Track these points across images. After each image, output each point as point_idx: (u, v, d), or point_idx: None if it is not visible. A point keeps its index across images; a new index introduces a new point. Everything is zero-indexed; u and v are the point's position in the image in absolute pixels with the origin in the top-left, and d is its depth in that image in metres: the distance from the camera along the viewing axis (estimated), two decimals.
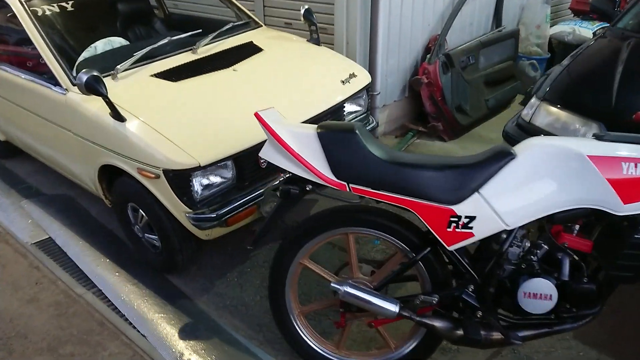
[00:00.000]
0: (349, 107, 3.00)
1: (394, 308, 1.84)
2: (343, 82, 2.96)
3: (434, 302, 1.85)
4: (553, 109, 2.81)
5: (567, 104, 2.78)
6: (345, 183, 1.81)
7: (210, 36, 3.15)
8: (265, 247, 3.01)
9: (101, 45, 3.14)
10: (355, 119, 3.10)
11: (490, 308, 1.86)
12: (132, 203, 2.70)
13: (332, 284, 1.90)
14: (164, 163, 2.32)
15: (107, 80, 2.73)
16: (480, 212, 1.74)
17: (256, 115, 1.86)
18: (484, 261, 1.85)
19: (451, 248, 1.79)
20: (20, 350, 2.34)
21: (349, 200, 1.95)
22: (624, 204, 1.65)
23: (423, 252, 1.88)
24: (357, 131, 1.81)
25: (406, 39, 4.05)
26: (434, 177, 1.77)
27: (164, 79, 2.78)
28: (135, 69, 2.86)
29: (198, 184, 2.37)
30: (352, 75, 3.02)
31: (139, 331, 2.43)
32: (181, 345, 2.35)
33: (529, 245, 1.82)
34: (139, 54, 2.85)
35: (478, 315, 1.85)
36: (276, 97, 2.73)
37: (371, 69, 3.78)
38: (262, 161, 2.57)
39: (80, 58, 3.08)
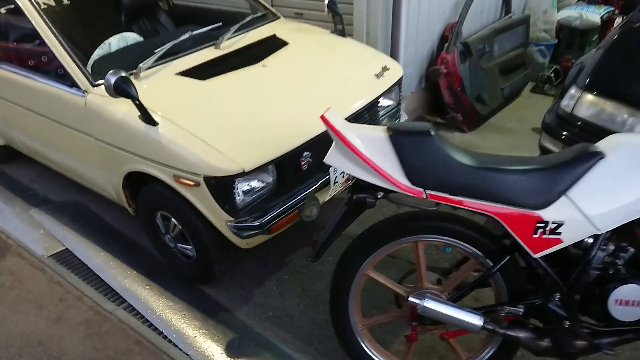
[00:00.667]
0: (382, 102, 2.86)
1: (478, 322, 1.73)
2: (377, 75, 2.81)
3: (520, 313, 1.74)
4: (597, 99, 2.72)
5: (612, 93, 2.69)
6: (422, 189, 1.68)
7: (232, 29, 2.96)
8: (301, 250, 2.87)
9: (115, 42, 2.93)
10: (387, 114, 2.96)
11: (576, 316, 1.76)
12: (163, 211, 2.52)
13: (410, 298, 1.78)
14: (205, 170, 2.15)
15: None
16: (569, 216, 1.63)
17: (322, 118, 1.71)
18: (567, 267, 1.74)
19: (537, 256, 1.68)
20: None
21: (418, 207, 1.82)
22: None
23: (502, 260, 1.77)
24: (433, 133, 1.67)
25: (423, 27, 3.92)
26: (518, 180, 1.65)
27: (191, 77, 2.60)
28: (157, 67, 2.67)
29: (241, 190, 2.21)
30: (385, 69, 2.88)
31: (181, 350, 2.27)
32: None
33: (613, 248, 1.73)
34: (161, 51, 2.66)
35: (565, 325, 1.75)
36: (311, 94, 2.58)
37: None
38: (303, 163, 2.42)
39: (94, 56, 2.87)
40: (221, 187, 2.18)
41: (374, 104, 2.75)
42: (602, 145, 1.70)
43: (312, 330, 2.38)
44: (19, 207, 3.36)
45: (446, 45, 4.04)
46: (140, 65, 2.58)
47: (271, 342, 2.32)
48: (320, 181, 2.49)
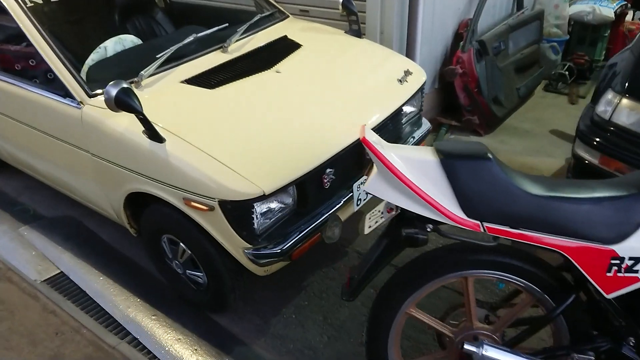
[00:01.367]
0: (404, 109, 2.64)
1: None
2: (400, 81, 2.58)
3: None
4: (638, 105, 2.51)
5: None
6: (479, 222, 1.46)
7: (240, 31, 2.71)
8: (318, 272, 2.65)
9: (111, 45, 2.66)
10: (409, 122, 2.74)
11: None
12: (170, 235, 2.28)
13: (466, 346, 1.56)
14: (220, 193, 1.91)
15: None
16: None
17: (364, 141, 1.48)
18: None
19: (610, 296, 1.48)
20: None
21: (473, 240, 1.59)
22: None
23: (567, 299, 1.56)
24: (491, 157, 1.45)
25: (438, 24, 3.69)
26: (589, 210, 1.43)
27: (198, 85, 2.35)
28: (160, 74, 2.41)
29: (259, 215, 1.98)
30: (408, 73, 2.65)
31: None
32: None
33: None
34: (164, 56, 2.40)
35: None
36: (332, 103, 2.34)
37: None
38: (325, 180, 2.19)
39: (89, 61, 2.60)
40: (238, 212, 1.94)
41: (397, 112, 2.52)
42: None
43: None
44: (7, 224, 3.09)
45: (461, 43, 3.81)
46: (142, 72, 2.33)
47: None
48: (343, 200, 2.26)
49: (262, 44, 2.71)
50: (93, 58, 2.62)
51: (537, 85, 4.63)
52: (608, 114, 2.59)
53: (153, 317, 2.39)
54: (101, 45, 2.64)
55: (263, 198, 1.93)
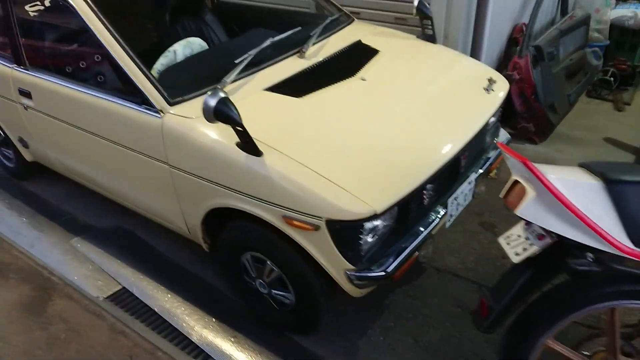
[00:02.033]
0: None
1: None
2: (487, 90, 2.46)
3: None
4: None
5: None
6: None
7: (315, 35, 2.57)
8: (398, 289, 2.52)
9: (180, 49, 2.52)
10: (490, 132, 2.62)
11: None
12: (256, 253, 2.14)
13: None
14: (328, 212, 1.78)
15: None
16: None
17: (526, 162, 1.35)
18: None
19: None
20: None
21: (634, 270, 1.47)
22: None
23: None
24: None
25: (494, 29, 3.57)
26: None
27: (284, 93, 2.21)
28: (240, 81, 2.27)
29: (367, 235, 1.85)
30: (492, 81, 2.53)
31: None
32: None
33: None
34: (243, 61, 2.26)
35: None
36: (426, 114, 2.22)
37: None
38: (425, 196, 2.06)
39: (159, 66, 2.46)
40: (346, 232, 1.81)
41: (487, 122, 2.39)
42: None
43: None
44: (57, 236, 2.93)
45: (518, 48, 3.70)
46: (225, 79, 2.18)
47: None
48: (440, 216, 2.14)
49: (338, 49, 2.57)
50: (162, 62, 2.47)
51: (584, 92, 4.53)
52: None
53: (233, 339, 2.25)
54: (170, 49, 2.50)
55: (374, 217, 1.80)
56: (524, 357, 1.60)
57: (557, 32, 4.07)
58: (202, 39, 3.30)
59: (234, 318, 2.37)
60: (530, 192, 1.40)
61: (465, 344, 2.20)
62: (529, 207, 1.40)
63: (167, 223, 2.48)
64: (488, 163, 2.46)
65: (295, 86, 2.26)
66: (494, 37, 3.60)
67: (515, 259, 1.52)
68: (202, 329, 2.29)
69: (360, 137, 2.03)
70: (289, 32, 2.52)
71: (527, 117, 3.76)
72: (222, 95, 1.81)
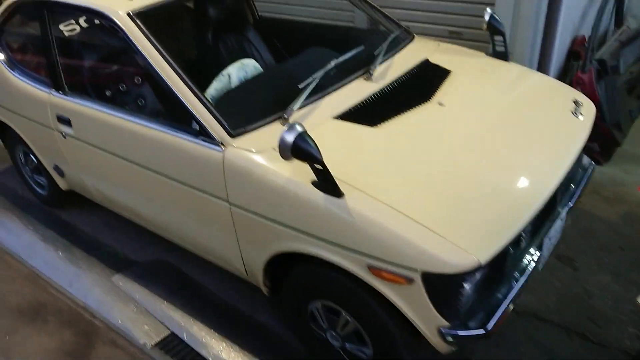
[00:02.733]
0: None
1: None
2: (574, 113, 2.22)
3: None
4: None
5: None
6: None
7: (381, 54, 2.34)
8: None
9: (235, 73, 2.31)
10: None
11: None
12: (329, 302, 1.91)
13: None
14: (426, 264, 1.55)
15: (276, 127, 1.94)
16: None
17: None
18: None
19: None
20: None
21: None
22: None
23: None
24: None
25: (558, 42, 3.32)
26: None
27: (357, 122, 1.99)
28: (305, 109, 2.05)
29: (468, 289, 1.61)
30: (578, 103, 2.28)
31: None
32: None
33: None
34: (309, 86, 2.04)
35: None
36: (515, 143, 1.98)
37: None
38: (522, 240, 1.82)
39: (213, 91, 2.25)
40: (445, 286, 1.58)
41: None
42: None
43: None
44: (96, 272, 2.72)
45: (581, 63, 3.45)
46: (292, 107, 1.96)
47: None
48: (535, 259, 1.89)
49: (406, 69, 2.34)
50: (216, 87, 2.26)
51: None
52: None
53: None
54: (224, 73, 2.29)
55: (479, 269, 1.56)
56: None
57: (617, 43, 3.81)
58: (244, 56, 3.12)
59: None
60: None
61: None
62: None
63: (221, 262, 2.26)
64: (577, 195, 2.21)
65: (368, 113, 2.04)
66: (557, 50, 3.35)
67: None
68: None
69: (450, 172, 1.79)
70: (353, 52, 2.30)
71: (591, 136, 3.49)
72: (299, 129, 1.59)
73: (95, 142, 2.41)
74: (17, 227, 3.14)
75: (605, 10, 3.57)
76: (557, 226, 2.03)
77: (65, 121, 2.51)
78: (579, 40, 3.64)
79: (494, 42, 2.56)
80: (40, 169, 3.12)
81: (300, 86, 2.05)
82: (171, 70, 2.01)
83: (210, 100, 2.19)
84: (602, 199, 3.07)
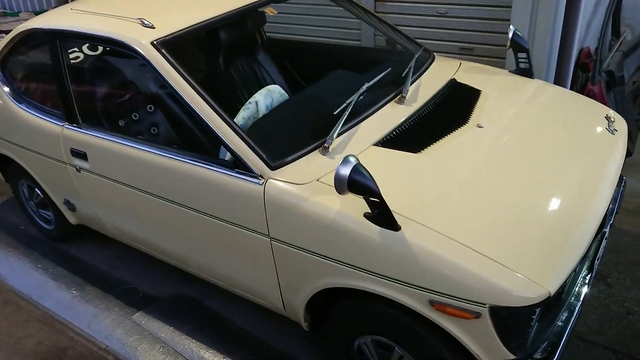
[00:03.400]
0: None
1: None
2: (609, 130, 2.19)
3: None
4: None
5: None
6: None
7: (409, 75, 2.28)
8: None
9: (262, 100, 2.23)
10: None
11: None
12: (381, 338, 1.83)
13: None
14: (495, 298, 1.48)
15: (316, 157, 1.86)
16: None
17: None
18: None
19: None
20: None
21: None
22: None
23: None
24: None
25: (572, 56, 3.33)
26: None
27: (399, 149, 1.92)
28: (342, 136, 1.98)
29: (537, 321, 1.55)
30: (610, 120, 2.26)
31: None
32: None
33: None
34: (344, 112, 1.97)
35: None
36: (563, 165, 1.93)
37: None
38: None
39: (240, 121, 2.18)
40: (514, 320, 1.51)
41: None
42: None
43: None
44: (116, 310, 2.60)
45: (590, 75, 3.46)
46: (332, 134, 1.89)
47: None
48: (588, 282, 1.85)
49: (435, 90, 2.29)
50: (244, 116, 2.19)
51: None
52: None
53: None
54: (251, 100, 2.21)
55: (548, 300, 1.50)
56: None
57: (620, 54, 3.84)
58: (255, 80, 3.05)
59: None
60: None
61: None
62: None
63: (254, 297, 2.17)
64: (615, 213, 2.18)
65: (408, 138, 1.98)
66: (567, 63, 3.36)
67: None
68: None
69: (503, 198, 1.74)
70: (382, 74, 2.24)
71: None
72: (354, 161, 1.52)
73: (115, 175, 2.30)
74: (24, 265, 2.99)
75: (608, 22, 3.60)
76: (602, 246, 2.00)
77: (80, 155, 2.40)
78: (585, 52, 3.65)
79: (517, 59, 2.54)
80: (47, 203, 2.99)
81: (335, 112, 1.98)
82: (202, 100, 1.93)
83: (249, 130, 2.11)
84: (624, 211, 3.06)
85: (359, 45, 3.68)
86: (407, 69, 2.30)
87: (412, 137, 1.99)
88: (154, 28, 2.12)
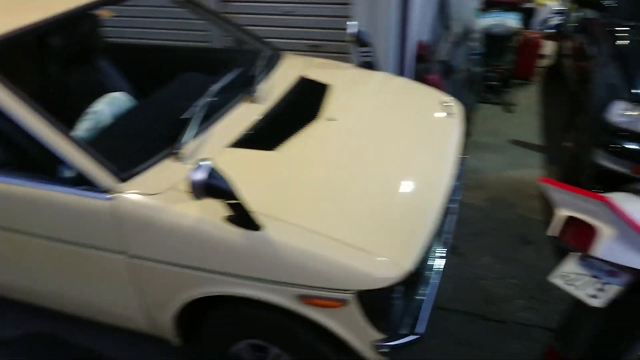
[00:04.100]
0: None
1: None
2: (446, 112, 2.38)
3: None
4: None
5: None
6: None
7: (259, 74, 2.27)
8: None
9: (107, 109, 2.07)
10: None
11: None
12: (254, 340, 1.80)
13: None
14: (360, 283, 1.53)
15: (169, 164, 1.79)
16: None
17: (607, 200, 1.24)
18: None
19: None
20: None
21: None
22: None
23: None
24: None
25: (410, 47, 3.58)
26: None
27: (253, 148, 1.90)
28: (195, 141, 1.91)
29: (398, 298, 1.63)
30: (447, 104, 2.46)
31: None
32: None
33: None
34: (193, 115, 1.90)
35: None
36: (411, 150, 2.06)
37: None
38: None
39: (82, 133, 1.99)
40: (379, 301, 1.58)
41: None
42: None
43: None
44: None
45: (425, 66, 3.75)
46: (182, 141, 1.81)
47: None
48: (443, 256, 2.00)
49: (285, 88, 2.31)
50: (85, 128, 2.01)
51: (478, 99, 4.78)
52: (631, 124, 2.67)
53: None
54: (93, 109, 2.04)
55: (407, 278, 1.58)
56: None
57: (450, 45, 4.22)
58: (97, 88, 2.83)
59: None
60: (606, 231, 1.30)
61: None
62: (608, 247, 1.29)
63: (114, 320, 2.02)
64: (460, 190, 2.39)
65: (261, 137, 1.97)
66: (410, 56, 3.60)
67: (597, 303, 1.39)
68: None
69: (356, 187, 1.80)
70: (232, 74, 2.20)
71: None
72: (207, 166, 1.47)
73: None
74: None
75: (439, 16, 3.93)
76: (451, 220, 2.17)
77: None
78: (421, 45, 3.95)
79: (361, 53, 2.65)
80: None
81: (182, 117, 1.90)
82: (31, 113, 1.73)
83: (90, 142, 1.94)
84: (466, 187, 3.36)
85: (208, 47, 3.61)
86: (256, 68, 2.29)
87: (266, 135, 1.98)
88: None
